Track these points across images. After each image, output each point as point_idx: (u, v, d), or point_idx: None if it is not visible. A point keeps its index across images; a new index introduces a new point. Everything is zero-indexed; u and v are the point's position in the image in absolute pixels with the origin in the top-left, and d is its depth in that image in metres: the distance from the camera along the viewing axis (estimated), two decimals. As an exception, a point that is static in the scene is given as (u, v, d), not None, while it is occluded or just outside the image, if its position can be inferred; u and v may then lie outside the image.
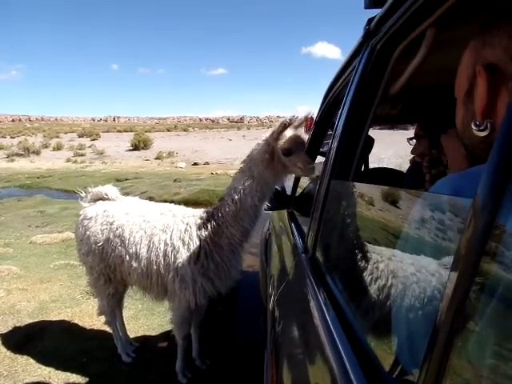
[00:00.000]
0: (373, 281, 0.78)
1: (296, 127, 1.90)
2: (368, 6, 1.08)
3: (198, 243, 2.11)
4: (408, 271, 0.62)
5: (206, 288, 2.12)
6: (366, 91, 1.05)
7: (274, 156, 1.90)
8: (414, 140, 1.82)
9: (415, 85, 1.50)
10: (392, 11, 0.89)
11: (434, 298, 0.50)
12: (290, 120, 1.80)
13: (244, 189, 1.98)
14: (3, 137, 49.34)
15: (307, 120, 1.94)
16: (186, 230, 2.15)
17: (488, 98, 0.58)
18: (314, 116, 2.20)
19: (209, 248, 2.11)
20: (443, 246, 0.51)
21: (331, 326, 0.78)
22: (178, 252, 2.11)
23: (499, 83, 0.57)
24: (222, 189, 9.97)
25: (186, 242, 2.12)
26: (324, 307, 0.88)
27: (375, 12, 1.08)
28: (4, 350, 2.86)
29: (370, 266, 0.80)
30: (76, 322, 3.30)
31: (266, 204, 2.09)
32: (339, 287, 0.93)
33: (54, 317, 3.39)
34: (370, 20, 1.05)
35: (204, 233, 2.12)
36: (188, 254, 2.10)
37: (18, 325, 3.24)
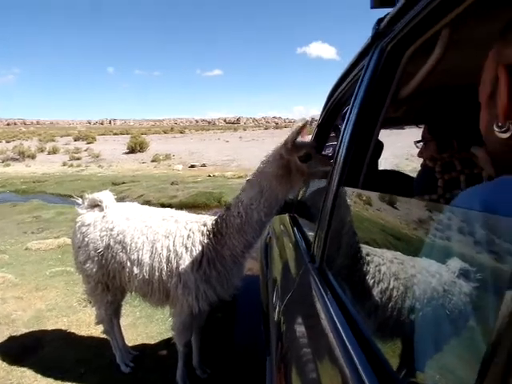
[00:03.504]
0: (387, 293, 0.74)
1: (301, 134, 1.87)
2: (375, 6, 1.04)
3: (200, 250, 2.08)
4: (424, 284, 0.59)
5: (208, 294, 2.10)
6: (376, 94, 1.01)
7: (291, 167, 1.84)
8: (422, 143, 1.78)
9: (426, 87, 1.46)
10: (404, 11, 0.85)
11: (453, 311, 0.48)
12: (303, 126, 1.76)
13: (251, 204, 1.94)
14: (-2, 141, 49.02)
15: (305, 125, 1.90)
16: (188, 236, 2.12)
17: (509, 99, 0.55)
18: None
19: (211, 255, 2.08)
20: (475, 262, 0.46)
21: (345, 339, 0.74)
22: (180, 258, 2.09)
23: None
24: (219, 191, 9.93)
25: (189, 249, 2.09)
26: (336, 319, 0.84)
27: (381, 12, 1.04)
28: (-1, 361, 2.79)
29: (383, 278, 0.76)
30: (73, 330, 3.24)
31: None
32: (350, 299, 0.89)
33: (50, 326, 3.32)
34: (380, 20, 1.01)
35: (206, 240, 2.09)
36: (191, 261, 2.08)
37: (13, 335, 3.17)
